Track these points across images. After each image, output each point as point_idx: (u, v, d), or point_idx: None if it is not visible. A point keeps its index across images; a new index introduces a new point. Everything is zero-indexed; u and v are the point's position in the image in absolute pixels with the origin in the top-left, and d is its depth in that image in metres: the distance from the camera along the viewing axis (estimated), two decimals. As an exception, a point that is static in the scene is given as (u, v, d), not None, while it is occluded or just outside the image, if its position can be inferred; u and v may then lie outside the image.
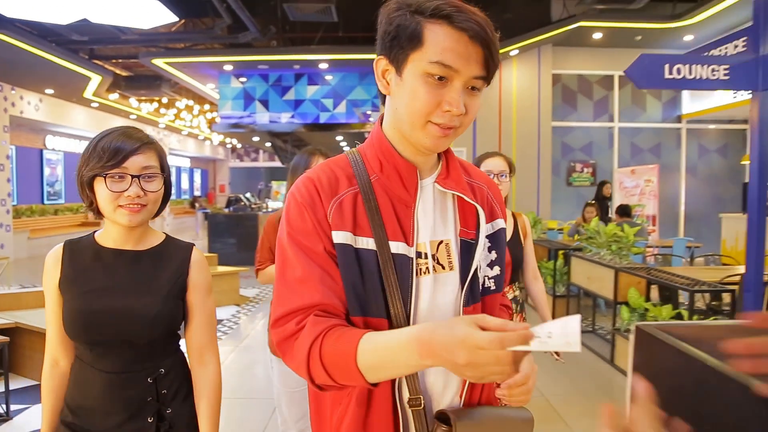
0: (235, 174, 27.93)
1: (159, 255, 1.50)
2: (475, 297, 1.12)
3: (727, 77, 3.30)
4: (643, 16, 8.90)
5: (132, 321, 1.40)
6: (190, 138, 22.11)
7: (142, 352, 1.44)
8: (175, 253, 1.52)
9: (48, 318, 1.47)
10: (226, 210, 12.84)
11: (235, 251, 10.62)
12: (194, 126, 17.93)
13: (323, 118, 11.64)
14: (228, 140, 22.78)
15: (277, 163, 20.13)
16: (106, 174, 1.36)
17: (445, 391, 1.09)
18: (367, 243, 1.04)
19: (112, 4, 6.29)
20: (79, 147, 17.29)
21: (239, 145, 25.38)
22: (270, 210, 12.59)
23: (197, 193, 26.20)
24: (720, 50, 3.65)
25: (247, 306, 7.37)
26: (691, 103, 10.38)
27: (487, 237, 1.15)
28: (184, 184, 24.88)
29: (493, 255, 1.16)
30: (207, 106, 16.64)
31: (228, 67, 10.98)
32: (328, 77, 11.46)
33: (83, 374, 1.44)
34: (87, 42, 9.26)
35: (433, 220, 1.11)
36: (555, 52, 10.09)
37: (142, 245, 1.49)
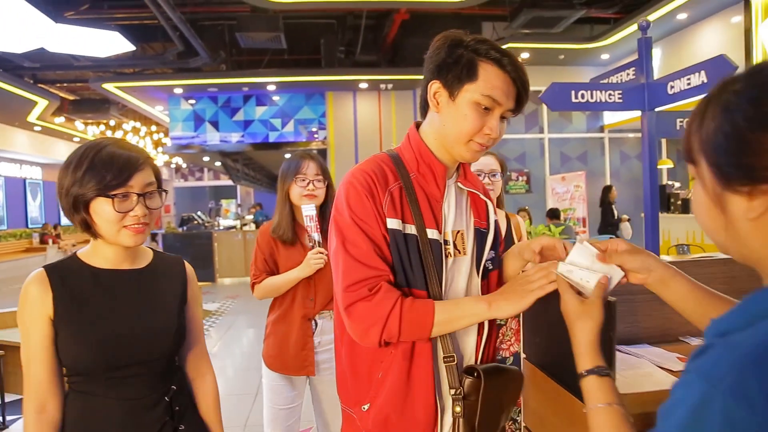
0: (180, 193, 27.70)
1: (156, 271, 1.44)
2: (483, 276, 1.35)
3: (620, 100, 4.01)
4: (564, 38, 9.80)
5: (153, 340, 1.36)
6: (134, 159, 21.90)
7: (157, 372, 1.39)
8: (170, 267, 1.49)
9: (31, 356, 1.30)
10: (180, 229, 13.01)
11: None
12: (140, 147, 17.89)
13: (272, 137, 12.03)
14: (173, 160, 22.73)
15: (222, 182, 20.27)
16: (113, 194, 1.26)
17: (467, 351, 1.33)
18: (412, 229, 1.25)
19: (70, 35, 6.57)
20: (20, 172, 16.99)
21: (184, 165, 25.29)
22: (222, 228, 12.85)
23: (143, 214, 25.77)
24: (616, 77, 4.39)
25: (210, 319, 7.71)
26: (611, 115, 11.40)
27: None
28: (129, 206, 24.47)
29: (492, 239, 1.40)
30: (153, 127, 16.72)
31: (178, 90, 11.26)
32: (276, 98, 11.89)
33: (93, 409, 1.32)
34: (39, 68, 9.41)
35: (455, 213, 1.34)
36: (488, 71, 10.90)
37: (138, 263, 1.42)
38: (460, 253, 1.33)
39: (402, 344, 1.22)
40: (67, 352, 1.30)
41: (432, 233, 1.26)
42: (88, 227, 1.30)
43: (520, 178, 11.41)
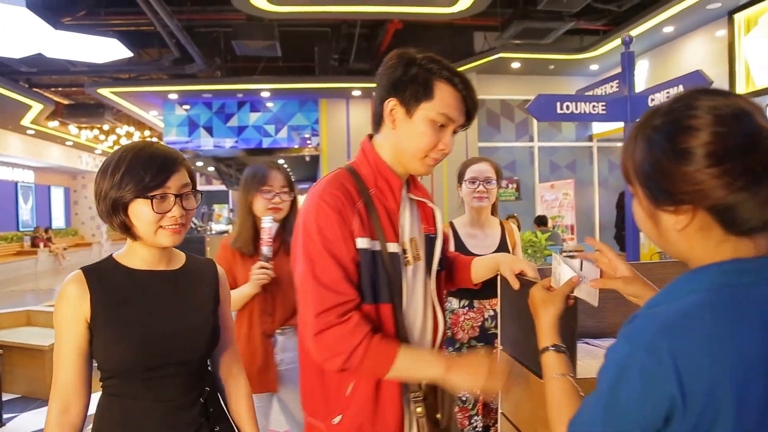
0: (173, 199, 27.68)
1: (191, 272, 1.45)
2: (433, 277, 1.45)
3: (604, 111, 4.17)
4: (554, 49, 9.97)
5: (191, 340, 1.37)
6: (127, 164, 21.91)
7: (193, 372, 1.39)
8: (203, 269, 1.49)
9: (63, 356, 1.30)
10: (173, 233, 13.04)
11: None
12: (133, 152, 17.93)
13: (266, 143, 12.13)
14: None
15: (215, 187, 20.35)
16: (152, 195, 1.27)
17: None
18: (376, 245, 1.30)
19: (69, 41, 6.66)
20: (12, 175, 16.98)
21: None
22: (214, 232, 12.93)
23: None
24: (600, 90, 4.55)
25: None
26: (600, 124, 11.60)
27: None
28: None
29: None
30: (147, 132, 16.79)
31: (173, 96, 11.35)
32: (270, 104, 12.00)
33: (131, 412, 1.32)
34: (35, 73, 9.49)
35: (410, 222, 1.41)
36: (479, 79, 11.07)
37: (173, 264, 1.43)
38: (415, 259, 1.41)
39: None
40: (109, 354, 1.30)
41: (392, 246, 1.32)
42: (128, 229, 1.31)
43: (510, 186, 11.56)
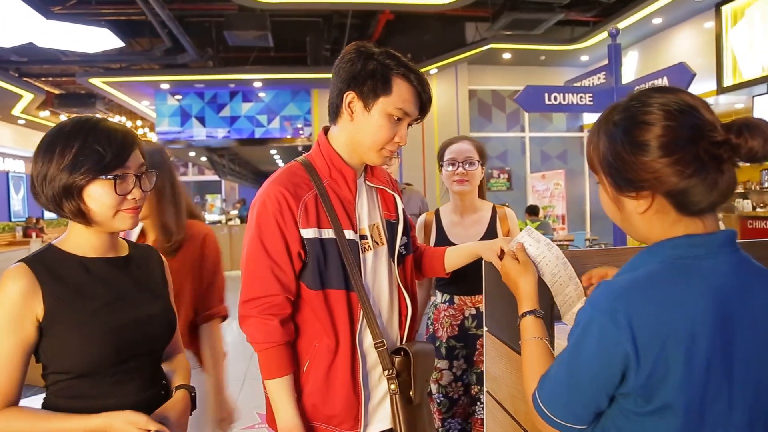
0: (165, 189, 27.56)
1: (140, 258, 1.35)
2: (400, 261, 1.52)
3: (591, 102, 4.23)
4: (545, 40, 10.03)
5: (157, 327, 1.30)
6: (118, 154, 21.81)
7: (155, 362, 1.33)
8: (148, 255, 1.39)
9: (4, 363, 1.12)
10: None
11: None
12: (125, 142, 17.87)
13: (258, 133, 12.14)
14: (158, 155, 22.64)
15: (207, 177, 20.31)
16: (115, 176, 1.15)
17: (393, 334, 1.51)
18: (330, 233, 1.37)
19: (60, 31, 6.66)
20: (2, 165, 16.89)
21: (173, 159, 25.20)
22: (207, 222, 12.93)
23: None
24: (588, 81, 4.63)
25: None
26: (590, 114, 11.68)
27: None
28: (113, 201, 24.38)
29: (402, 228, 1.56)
30: (139, 122, 16.75)
31: (165, 86, 11.33)
32: (262, 95, 12.00)
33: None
34: (26, 62, 9.45)
35: (368, 209, 1.47)
36: (470, 70, 11.14)
37: (121, 251, 1.31)
38: (378, 244, 1.47)
39: (325, 339, 1.37)
40: (70, 353, 1.15)
41: (349, 234, 1.39)
42: (82, 215, 1.17)
43: (502, 176, 11.65)
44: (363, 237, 1.44)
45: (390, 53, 1.37)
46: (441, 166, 2.29)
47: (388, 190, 1.56)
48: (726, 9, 7.78)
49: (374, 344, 1.41)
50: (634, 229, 0.95)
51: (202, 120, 11.99)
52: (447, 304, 2.26)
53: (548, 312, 1.27)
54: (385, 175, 1.62)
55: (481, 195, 2.36)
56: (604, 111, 0.95)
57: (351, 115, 1.38)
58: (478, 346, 2.20)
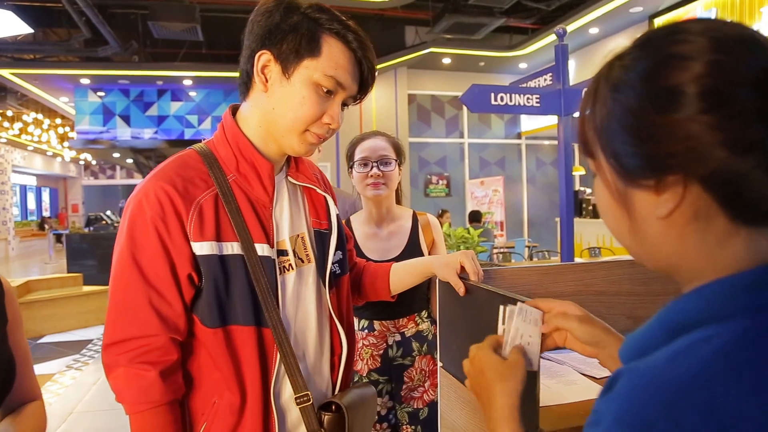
0: (89, 192, 26.12)
1: None
2: (332, 283, 1.15)
3: (538, 104, 4.07)
4: (485, 46, 10.02)
5: None
6: (36, 154, 20.46)
7: None
8: None
9: None
10: (86, 229, 12.22)
11: (97, 272, 10.19)
12: (43, 141, 16.73)
13: (188, 134, 11.53)
14: (82, 156, 21.42)
15: (136, 180, 19.31)
16: None
17: (323, 382, 1.15)
18: (234, 248, 1.01)
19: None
20: None
21: (94, 162, 23.89)
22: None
23: (46, 213, 24.19)
24: (534, 82, 4.47)
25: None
26: (528, 121, 11.78)
27: None
28: (31, 204, 22.88)
29: (335, 240, 1.18)
30: (59, 120, 15.66)
31: (85, 81, 10.56)
32: (192, 93, 11.42)
33: None
34: None
35: (290, 215, 1.12)
36: (410, 74, 10.98)
37: None
38: (303, 261, 1.13)
39: (228, 394, 1.02)
40: None
41: (262, 249, 1.03)
42: None
43: (440, 182, 11.55)
44: (282, 253, 1.09)
45: (322, 7, 1.04)
46: (351, 167, 1.93)
47: (319, 191, 1.19)
48: (659, 21, 7.95)
49: (296, 398, 1.05)
50: (650, 247, 0.58)
51: (126, 119, 11.28)
52: (366, 331, 1.89)
53: (532, 410, 0.87)
54: (314, 171, 1.28)
55: (398, 201, 2.03)
56: (605, 60, 0.60)
57: (265, 84, 1.03)
58: (406, 380, 1.88)
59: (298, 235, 1.13)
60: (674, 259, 0.56)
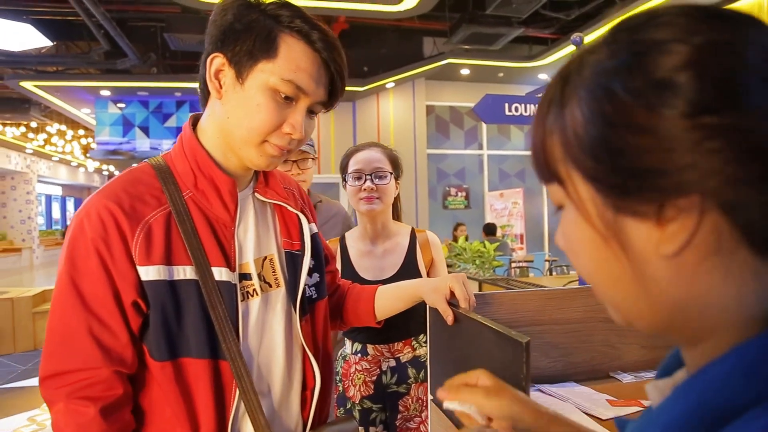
0: (112, 202, 26.47)
1: None
2: (305, 309, 1.06)
3: (553, 114, 3.96)
4: (503, 56, 9.88)
5: None
6: (61, 164, 20.81)
7: None
8: None
9: None
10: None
11: None
12: (67, 152, 16.99)
13: (207, 144, 11.60)
14: (105, 167, 21.74)
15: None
16: None
17: (291, 421, 1.06)
18: (187, 272, 0.92)
19: (-23, 27, 6.08)
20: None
21: (116, 172, 24.21)
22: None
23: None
24: (549, 91, 4.34)
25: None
26: (549, 133, 11.57)
27: None
28: (56, 214, 23.25)
29: (311, 262, 1.10)
30: (81, 131, 15.89)
31: (105, 93, 10.68)
32: (212, 104, 11.49)
33: None
34: (-55, 63, 8.68)
35: (256, 235, 1.03)
36: (428, 85, 10.88)
37: None
38: (271, 286, 1.03)
39: None
40: None
41: (220, 273, 0.93)
42: None
43: (459, 194, 11.39)
44: (245, 276, 0.99)
45: (286, 3, 0.92)
46: (344, 180, 1.82)
47: (290, 208, 1.08)
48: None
49: None
50: (651, 298, 0.42)
51: (146, 130, 11.37)
52: (359, 355, 1.79)
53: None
54: (290, 186, 1.18)
55: (397, 217, 1.93)
56: (572, 56, 0.46)
57: (219, 90, 0.93)
58: (401, 409, 1.75)
59: (265, 257, 1.03)
60: (681, 313, 0.41)
